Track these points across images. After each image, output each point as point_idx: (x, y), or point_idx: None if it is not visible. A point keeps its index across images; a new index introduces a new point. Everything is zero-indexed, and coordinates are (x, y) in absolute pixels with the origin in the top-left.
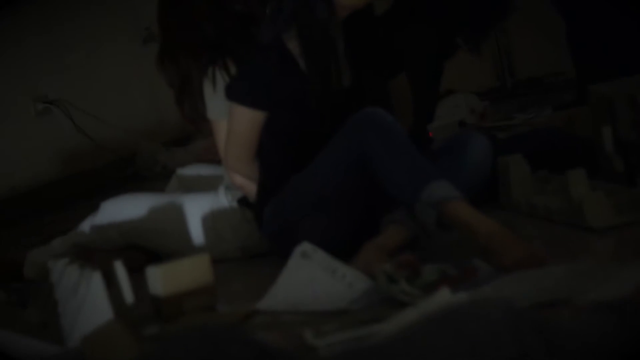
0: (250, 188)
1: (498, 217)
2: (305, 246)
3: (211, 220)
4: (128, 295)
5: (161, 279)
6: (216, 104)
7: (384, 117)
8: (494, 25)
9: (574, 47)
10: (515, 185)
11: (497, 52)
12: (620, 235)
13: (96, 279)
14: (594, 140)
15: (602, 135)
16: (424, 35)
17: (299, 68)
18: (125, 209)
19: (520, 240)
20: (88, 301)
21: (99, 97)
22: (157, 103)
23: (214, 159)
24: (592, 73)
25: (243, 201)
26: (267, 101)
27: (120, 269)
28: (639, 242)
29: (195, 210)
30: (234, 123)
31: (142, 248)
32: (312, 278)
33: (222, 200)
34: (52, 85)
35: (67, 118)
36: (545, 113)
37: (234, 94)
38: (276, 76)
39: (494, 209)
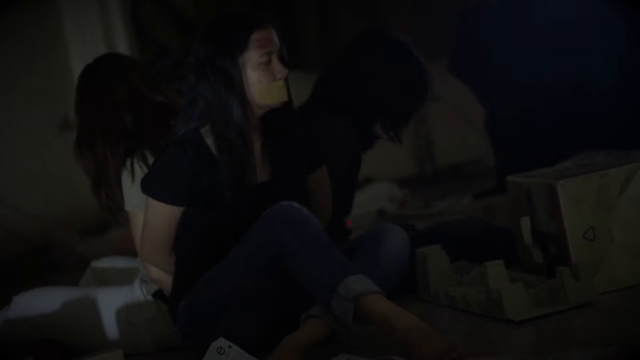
0: (166, 281)
1: (416, 310)
2: (221, 342)
3: (125, 314)
4: None
5: None
6: (133, 195)
7: (297, 210)
8: (412, 114)
9: (492, 135)
10: (433, 276)
11: (417, 139)
12: (539, 327)
13: None
14: (512, 230)
15: (520, 226)
16: (341, 127)
17: (216, 163)
18: (38, 303)
19: (438, 334)
20: None
21: (13, 184)
22: (73, 191)
23: (132, 248)
24: (510, 162)
25: (158, 294)
26: (183, 197)
27: None
28: (558, 334)
29: (109, 303)
30: (149, 216)
31: (57, 342)
32: None
33: (136, 293)
34: None
35: None
36: (464, 201)
37: (150, 188)
38: (192, 171)
39: (413, 301)
